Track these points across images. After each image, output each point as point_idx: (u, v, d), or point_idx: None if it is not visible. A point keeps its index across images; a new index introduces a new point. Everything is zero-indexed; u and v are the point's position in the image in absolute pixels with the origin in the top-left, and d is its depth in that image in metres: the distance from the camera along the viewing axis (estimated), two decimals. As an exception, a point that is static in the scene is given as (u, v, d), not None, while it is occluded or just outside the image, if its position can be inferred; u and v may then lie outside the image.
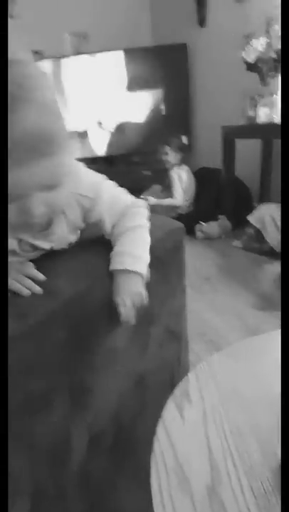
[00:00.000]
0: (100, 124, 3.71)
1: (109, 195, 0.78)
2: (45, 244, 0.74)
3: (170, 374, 0.99)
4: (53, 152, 0.53)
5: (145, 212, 0.82)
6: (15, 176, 0.50)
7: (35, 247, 0.73)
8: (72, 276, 0.71)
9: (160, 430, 0.59)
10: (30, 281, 0.67)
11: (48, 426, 0.63)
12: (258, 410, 0.61)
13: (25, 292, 0.65)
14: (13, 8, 3.49)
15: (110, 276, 0.74)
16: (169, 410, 0.62)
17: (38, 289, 0.66)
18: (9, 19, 3.41)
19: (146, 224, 0.81)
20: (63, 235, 0.75)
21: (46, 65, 3.57)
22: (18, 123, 0.48)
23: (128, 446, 0.84)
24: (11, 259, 0.70)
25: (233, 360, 0.73)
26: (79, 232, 0.80)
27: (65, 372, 0.66)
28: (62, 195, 0.61)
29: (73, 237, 0.79)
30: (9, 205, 0.55)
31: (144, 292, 0.75)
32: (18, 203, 0.55)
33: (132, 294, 0.72)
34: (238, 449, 0.56)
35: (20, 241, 0.71)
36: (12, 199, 0.54)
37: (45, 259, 0.74)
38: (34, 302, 0.63)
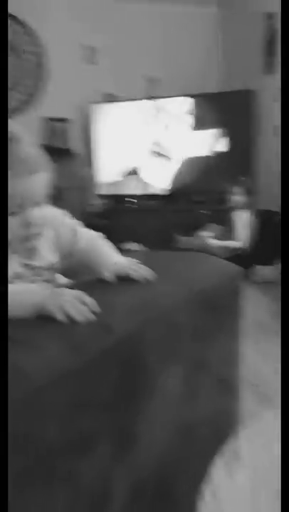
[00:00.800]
0: (154, 152, 3.78)
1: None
2: (37, 262, 0.83)
3: (219, 427, 0.94)
4: (37, 170, 0.74)
5: None
6: (14, 188, 0.70)
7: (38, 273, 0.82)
8: (127, 312, 0.70)
9: (207, 490, 0.55)
10: (85, 308, 0.66)
11: (91, 468, 0.61)
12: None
13: (80, 318, 0.64)
14: (94, 56, 3.78)
15: (164, 317, 0.73)
16: (218, 470, 0.58)
17: (92, 316, 0.65)
18: (90, 65, 3.72)
19: None
20: (45, 253, 0.84)
21: (118, 107, 3.78)
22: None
23: (169, 500, 0.80)
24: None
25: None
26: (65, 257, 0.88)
27: (113, 414, 0.65)
28: (44, 212, 0.79)
29: (54, 258, 0.87)
30: (10, 219, 0.71)
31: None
32: (18, 215, 0.73)
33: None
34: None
35: (25, 265, 0.80)
36: (13, 211, 0.72)
37: (96, 292, 0.73)
38: (89, 337, 0.63)
